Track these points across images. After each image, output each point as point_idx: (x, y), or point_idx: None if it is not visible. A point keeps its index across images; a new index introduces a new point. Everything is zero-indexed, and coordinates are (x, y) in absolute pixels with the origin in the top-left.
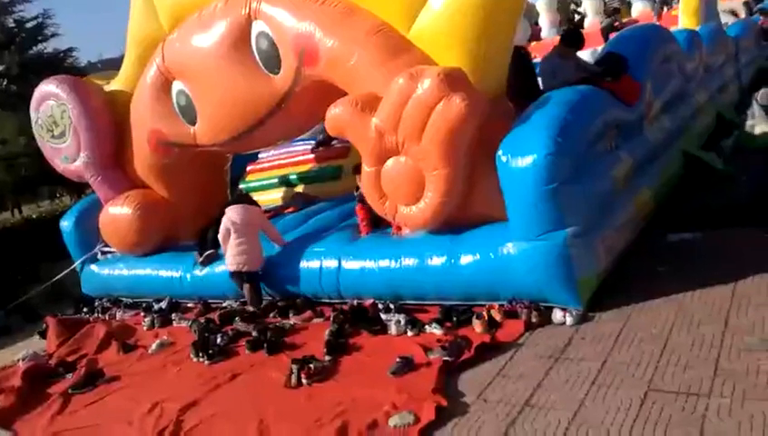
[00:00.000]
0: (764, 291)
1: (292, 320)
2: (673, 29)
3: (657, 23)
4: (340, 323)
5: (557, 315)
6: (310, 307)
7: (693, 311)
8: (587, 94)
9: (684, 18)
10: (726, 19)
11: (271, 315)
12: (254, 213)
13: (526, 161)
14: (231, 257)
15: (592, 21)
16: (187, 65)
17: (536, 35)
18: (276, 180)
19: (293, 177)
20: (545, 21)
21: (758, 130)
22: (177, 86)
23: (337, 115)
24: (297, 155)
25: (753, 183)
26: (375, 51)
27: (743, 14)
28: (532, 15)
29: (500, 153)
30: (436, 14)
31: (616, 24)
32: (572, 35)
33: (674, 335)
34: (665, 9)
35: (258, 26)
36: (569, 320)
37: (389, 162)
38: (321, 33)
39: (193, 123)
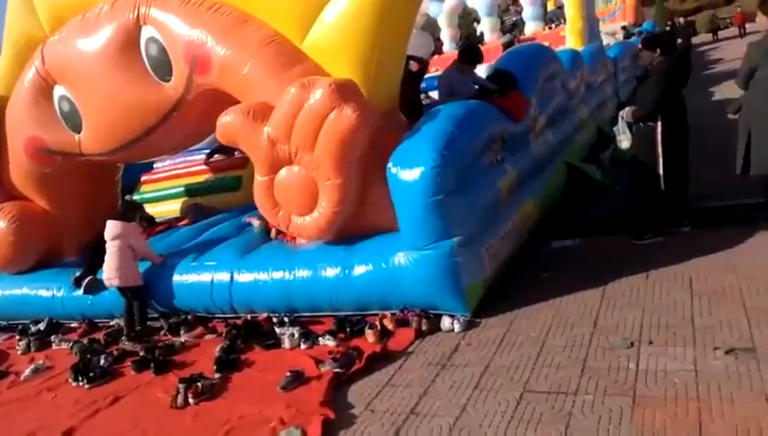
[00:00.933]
0: (628, 293)
1: (183, 337)
2: (560, 48)
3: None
4: (233, 339)
5: (446, 322)
6: (201, 323)
7: (568, 314)
8: (474, 108)
9: (570, 38)
10: (608, 40)
11: (161, 333)
12: (124, 228)
13: (413, 173)
14: (104, 273)
15: (491, 38)
16: (70, 70)
17: (438, 50)
18: (172, 190)
19: (190, 188)
20: (446, 36)
21: (624, 145)
22: (59, 91)
23: (228, 123)
24: (194, 165)
25: (623, 193)
26: (268, 61)
27: (620, 37)
28: (435, 30)
29: (390, 164)
30: (329, 26)
31: (515, 40)
32: (469, 52)
33: (549, 338)
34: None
35: (147, 32)
36: (457, 327)
37: (282, 171)
38: (214, 41)
39: (78, 131)
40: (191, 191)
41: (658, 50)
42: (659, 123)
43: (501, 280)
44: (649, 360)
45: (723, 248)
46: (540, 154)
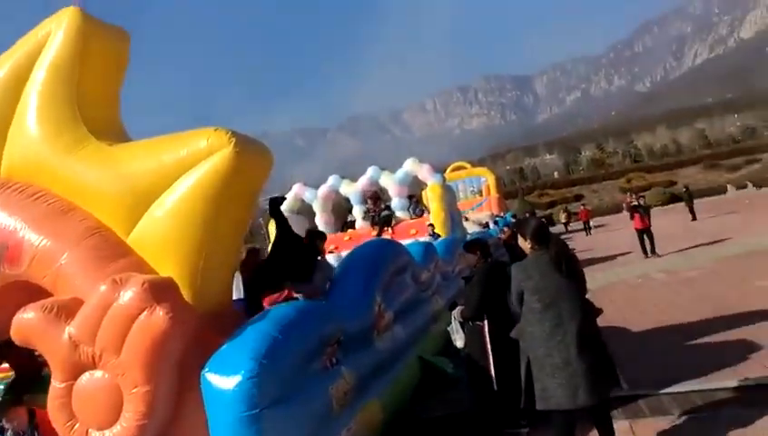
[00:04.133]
0: None
1: None
2: (413, 241)
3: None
4: None
5: None
6: None
7: None
8: (305, 308)
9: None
10: (476, 228)
11: None
12: None
13: (228, 382)
14: None
15: (361, 224)
16: None
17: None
18: None
19: None
20: (320, 221)
21: (459, 344)
22: None
23: (25, 322)
24: None
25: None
26: (87, 253)
27: (492, 226)
28: (310, 214)
29: (206, 370)
30: (157, 220)
31: (392, 219)
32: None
33: None
34: (387, 228)
35: None
36: None
37: (84, 377)
38: (29, 230)
39: None
40: None
41: (478, 252)
42: (485, 322)
43: None
44: None
45: None
46: (387, 351)
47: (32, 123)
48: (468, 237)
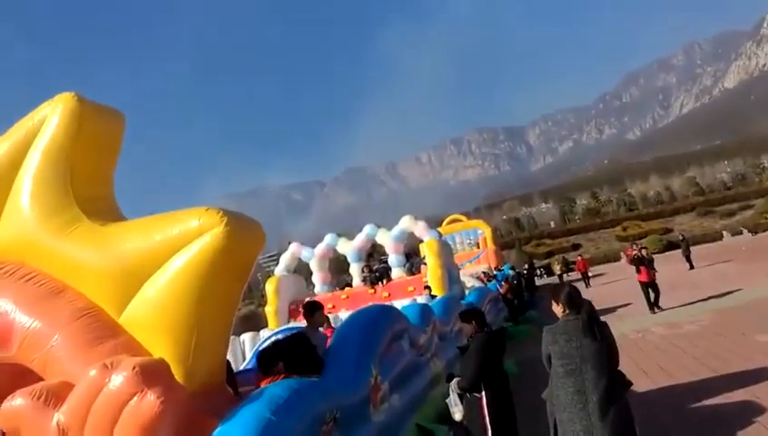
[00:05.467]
0: None
1: None
2: (409, 302)
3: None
4: None
5: None
6: None
7: None
8: (300, 388)
9: (432, 285)
10: (472, 282)
11: None
12: None
13: None
14: None
15: (359, 282)
16: None
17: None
18: None
19: None
20: (317, 279)
21: (457, 417)
22: None
23: (13, 409)
24: None
25: None
26: (77, 335)
27: (484, 278)
28: (307, 274)
29: None
30: (149, 299)
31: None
32: (310, 305)
33: None
34: (380, 284)
35: None
36: None
37: None
38: (19, 312)
39: None
40: None
41: (473, 322)
42: (483, 393)
43: None
44: None
45: None
46: (383, 424)
47: (25, 205)
48: (467, 292)
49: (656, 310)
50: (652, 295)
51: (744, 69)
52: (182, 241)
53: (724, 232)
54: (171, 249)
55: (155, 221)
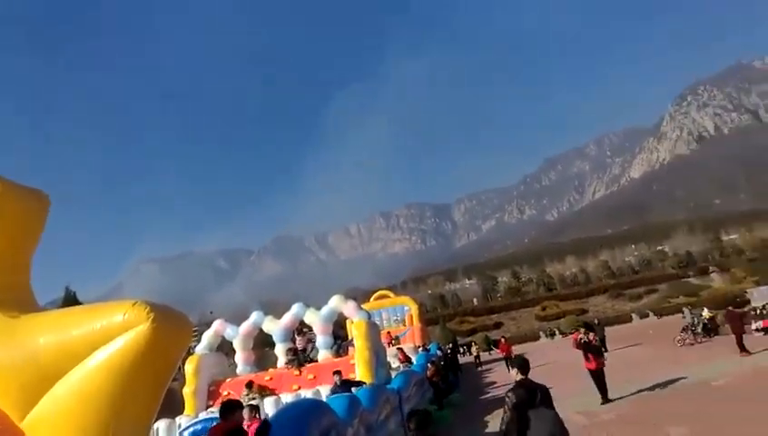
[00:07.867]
0: None
1: None
2: (335, 396)
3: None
4: None
5: None
6: None
7: None
8: None
9: (359, 368)
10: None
11: None
12: None
13: None
14: None
15: (283, 363)
16: None
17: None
18: None
19: None
20: (239, 358)
21: None
22: None
23: None
24: None
25: None
26: None
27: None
28: (229, 352)
29: None
30: (58, 399)
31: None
32: (227, 406)
33: None
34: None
35: None
36: None
37: None
38: None
39: None
40: None
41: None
42: None
43: None
44: None
45: None
46: None
47: None
48: (393, 375)
49: (604, 402)
50: (598, 385)
51: (648, 162)
52: (105, 337)
53: (633, 315)
54: (91, 346)
55: (76, 313)
